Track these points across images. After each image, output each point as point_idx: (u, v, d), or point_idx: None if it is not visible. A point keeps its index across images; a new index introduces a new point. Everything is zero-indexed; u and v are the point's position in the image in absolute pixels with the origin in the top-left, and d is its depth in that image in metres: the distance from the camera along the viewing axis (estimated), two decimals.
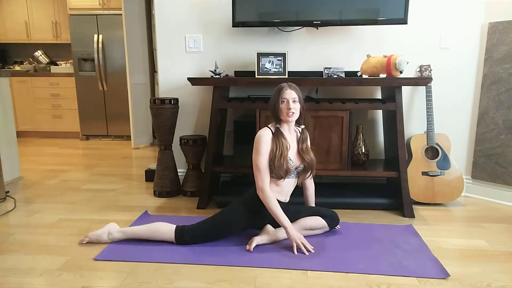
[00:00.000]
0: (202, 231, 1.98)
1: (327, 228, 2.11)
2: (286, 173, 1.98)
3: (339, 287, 1.61)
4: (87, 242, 2.00)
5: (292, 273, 1.72)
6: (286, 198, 2.09)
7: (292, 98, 1.97)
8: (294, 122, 2.05)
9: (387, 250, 1.93)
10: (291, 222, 2.04)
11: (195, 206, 2.58)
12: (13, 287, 1.60)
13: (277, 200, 2.01)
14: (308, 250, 1.89)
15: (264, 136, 1.97)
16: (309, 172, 2.10)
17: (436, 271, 1.72)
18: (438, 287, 1.60)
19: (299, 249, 1.90)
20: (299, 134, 2.10)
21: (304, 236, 2.04)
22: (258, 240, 1.95)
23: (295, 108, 1.97)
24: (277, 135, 1.99)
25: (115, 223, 2.07)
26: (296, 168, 2.04)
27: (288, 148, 1.99)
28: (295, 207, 2.16)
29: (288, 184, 2.06)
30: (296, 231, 1.95)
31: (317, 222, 2.07)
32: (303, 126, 2.11)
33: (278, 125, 2.02)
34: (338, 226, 2.19)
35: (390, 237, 2.08)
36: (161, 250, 1.92)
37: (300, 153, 2.06)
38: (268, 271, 1.73)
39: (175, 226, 1.99)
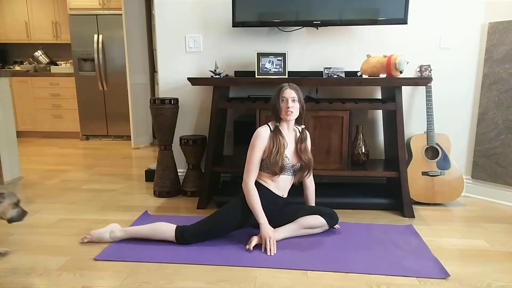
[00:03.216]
0: (203, 230, 1.98)
1: (326, 227, 2.11)
2: (280, 170, 2.01)
3: (339, 287, 1.61)
4: (88, 241, 2.00)
5: (292, 273, 1.72)
6: (283, 194, 2.11)
7: (291, 98, 2.01)
8: (293, 121, 2.09)
9: (387, 250, 1.93)
10: (290, 221, 2.07)
11: (195, 206, 2.57)
12: (13, 287, 1.60)
13: (275, 194, 2.06)
14: (270, 252, 1.88)
15: (261, 133, 2.03)
16: (306, 171, 2.13)
17: (436, 271, 1.72)
18: (438, 287, 1.60)
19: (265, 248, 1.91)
20: (298, 134, 2.12)
21: (304, 235, 2.05)
22: (257, 239, 1.96)
23: (294, 107, 2.01)
24: (275, 133, 2.03)
25: (117, 224, 2.08)
26: (292, 166, 2.08)
27: (285, 146, 2.03)
28: (294, 207, 2.17)
29: (284, 180, 2.08)
30: (270, 229, 1.96)
31: (317, 221, 2.08)
32: (303, 126, 2.14)
33: (277, 124, 2.07)
34: (338, 226, 2.20)
35: (390, 237, 2.08)
36: (161, 250, 1.92)
37: (298, 152, 2.08)
38: (268, 271, 1.73)
39: (175, 225, 1.99)
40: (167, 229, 1.98)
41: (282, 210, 2.13)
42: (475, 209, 2.56)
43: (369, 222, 2.30)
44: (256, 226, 2.09)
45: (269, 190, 2.05)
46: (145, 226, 2.02)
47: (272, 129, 2.05)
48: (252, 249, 1.91)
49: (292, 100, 2.01)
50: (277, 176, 2.04)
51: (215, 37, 2.83)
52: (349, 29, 2.74)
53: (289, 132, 2.10)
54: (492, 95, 2.63)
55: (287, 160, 2.04)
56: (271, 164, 1.99)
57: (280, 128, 2.06)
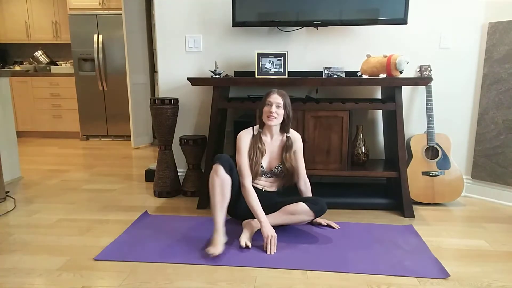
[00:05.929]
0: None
1: (310, 213, 2.01)
2: (255, 175, 2.08)
3: (339, 287, 1.61)
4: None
5: (292, 273, 1.72)
6: (262, 187, 2.16)
7: (276, 103, 2.04)
8: (278, 128, 2.12)
9: (387, 250, 1.93)
10: (276, 211, 2.08)
11: (195, 206, 2.57)
12: (13, 287, 1.60)
13: (253, 186, 2.09)
14: (270, 251, 1.89)
15: (243, 136, 2.09)
16: (288, 178, 2.16)
17: (436, 271, 1.72)
18: (438, 287, 1.60)
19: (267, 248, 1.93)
20: (284, 141, 2.14)
21: (293, 224, 2.08)
22: (244, 237, 1.97)
23: (277, 113, 2.04)
24: (256, 140, 2.08)
25: None
26: (271, 171, 2.13)
27: (263, 154, 2.08)
28: (283, 200, 2.15)
29: (262, 180, 2.15)
30: (271, 228, 1.96)
31: (298, 207, 2.02)
32: (289, 134, 2.14)
33: (260, 130, 2.12)
34: (337, 226, 2.20)
35: (390, 237, 2.08)
36: (162, 250, 1.92)
37: (283, 159, 2.11)
38: (268, 271, 1.73)
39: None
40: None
41: (272, 205, 2.12)
42: (475, 209, 2.56)
43: (369, 222, 2.30)
44: (240, 218, 2.16)
45: None
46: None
47: (254, 134, 2.10)
48: (251, 246, 1.93)
49: (276, 106, 2.03)
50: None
51: (215, 37, 2.83)
52: (349, 29, 2.74)
53: (273, 138, 2.13)
54: (492, 95, 2.63)
55: (261, 166, 2.09)
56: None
57: (262, 134, 2.11)
